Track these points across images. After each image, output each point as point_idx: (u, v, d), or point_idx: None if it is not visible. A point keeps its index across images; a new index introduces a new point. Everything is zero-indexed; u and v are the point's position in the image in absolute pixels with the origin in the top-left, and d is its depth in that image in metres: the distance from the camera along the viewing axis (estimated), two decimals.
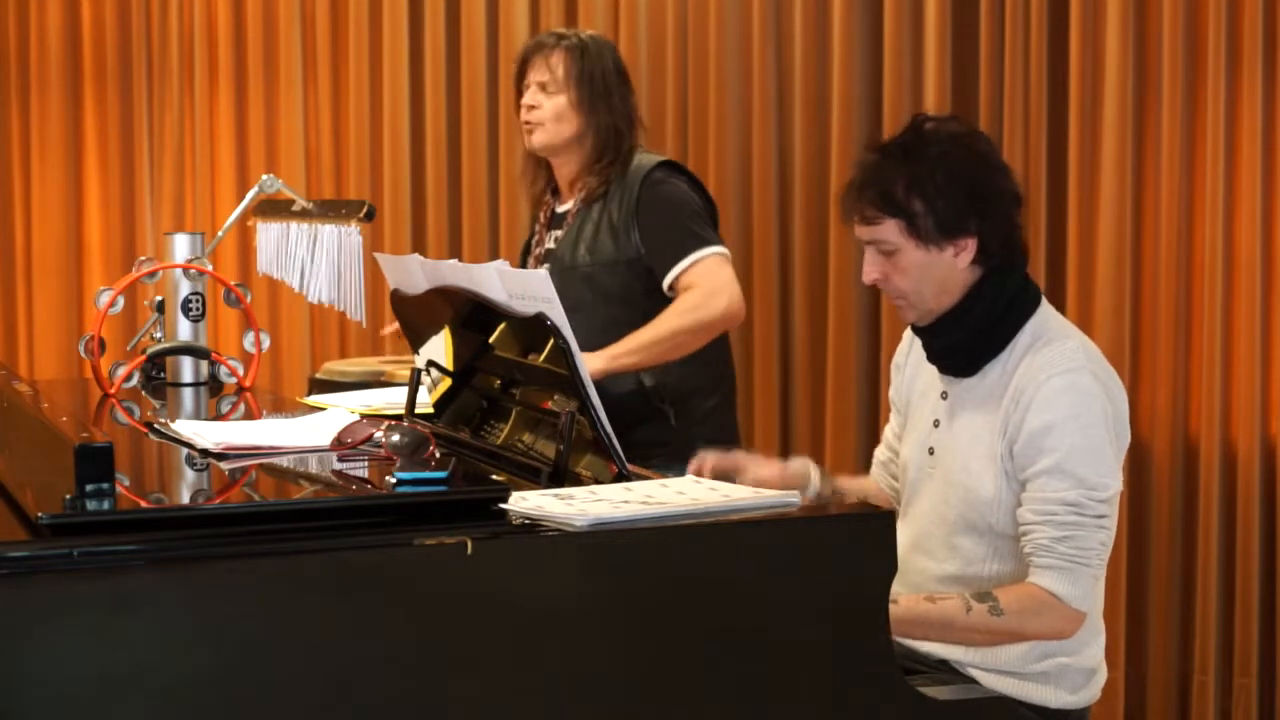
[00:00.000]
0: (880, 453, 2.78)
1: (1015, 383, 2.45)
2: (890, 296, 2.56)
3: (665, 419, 3.32)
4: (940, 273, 2.48)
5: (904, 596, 2.39)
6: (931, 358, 2.59)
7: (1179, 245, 3.78)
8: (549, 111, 3.39)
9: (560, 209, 3.49)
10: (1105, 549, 2.42)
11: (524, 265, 3.54)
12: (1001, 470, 2.45)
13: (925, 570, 2.53)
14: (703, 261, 3.28)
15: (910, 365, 2.69)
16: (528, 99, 3.42)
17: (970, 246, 2.47)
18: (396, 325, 3.62)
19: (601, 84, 3.40)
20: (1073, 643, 2.48)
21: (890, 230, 2.47)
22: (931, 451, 2.57)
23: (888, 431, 2.77)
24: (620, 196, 3.34)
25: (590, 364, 2.87)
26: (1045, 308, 2.54)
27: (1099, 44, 3.84)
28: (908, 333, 2.70)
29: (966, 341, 2.51)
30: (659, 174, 3.36)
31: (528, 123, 3.42)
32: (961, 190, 2.45)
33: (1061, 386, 2.41)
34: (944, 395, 2.57)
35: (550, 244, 3.46)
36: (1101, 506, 2.40)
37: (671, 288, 3.29)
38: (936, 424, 2.57)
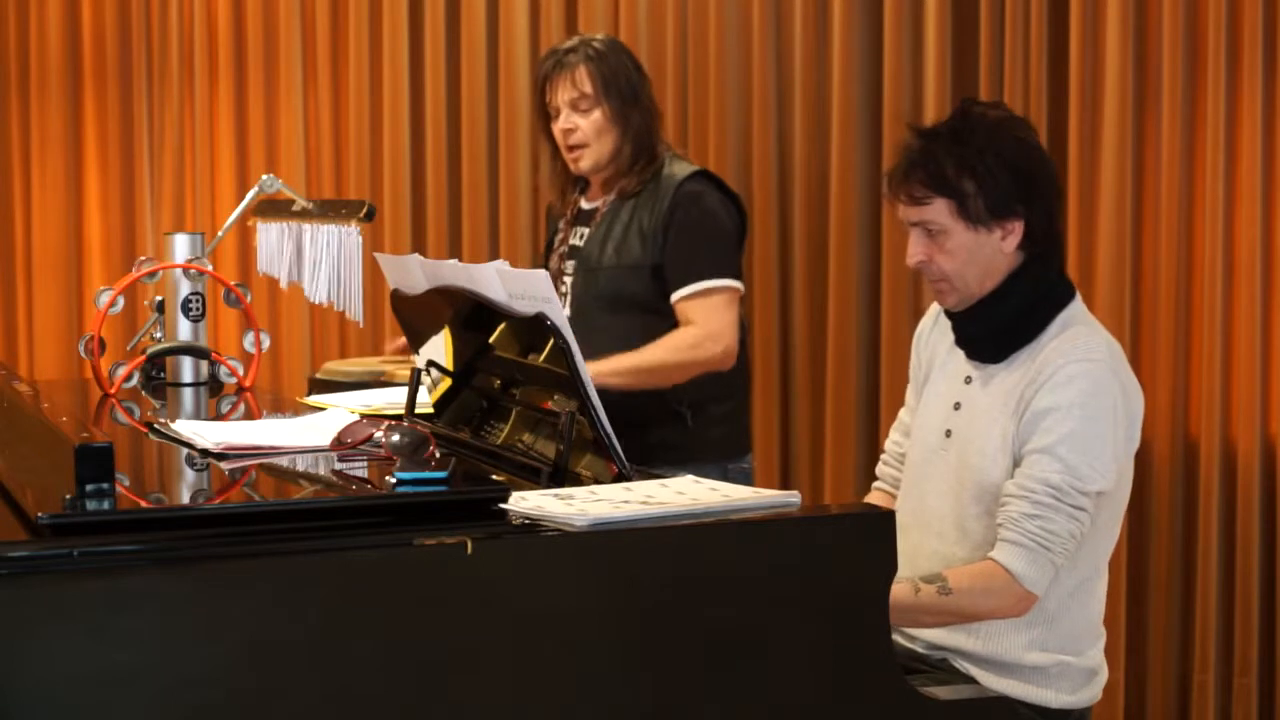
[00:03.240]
0: (895, 444, 2.77)
1: (1036, 366, 2.47)
2: (931, 279, 2.56)
3: (682, 421, 3.33)
4: (986, 255, 2.50)
5: None
6: (960, 342, 2.59)
7: (1179, 245, 3.77)
8: (590, 130, 3.37)
9: (587, 205, 3.49)
10: (1074, 540, 2.41)
11: (546, 263, 3.53)
12: (1012, 454, 2.46)
13: (936, 552, 2.53)
14: (713, 295, 3.28)
15: (933, 340, 2.69)
16: (564, 123, 3.39)
17: (1017, 230, 2.49)
18: (400, 342, 3.63)
19: (629, 88, 3.40)
20: (1074, 643, 2.48)
21: (940, 210, 2.49)
22: (949, 434, 2.57)
23: (904, 415, 2.76)
24: (653, 203, 3.33)
25: None
26: (1078, 302, 2.56)
27: (1099, 44, 3.84)
28: (933, 308, 2.70)
29: (1000, 328, 2.53)
30: (693, 185, 3.35)
31: (571, 147, 3.40)
32: (1010, 173, 2.48)
33: (1076, 372, 2.43)
34: (968, 380, 2.57)
35: (576, 240, 3.46)
36: (1082, 499, 2.40)
37: (677, 304, 3.30)
38: (957, 406, 2.57)
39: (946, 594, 2.39)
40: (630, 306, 3.30)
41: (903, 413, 2.77)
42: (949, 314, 2.60)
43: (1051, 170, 2.57)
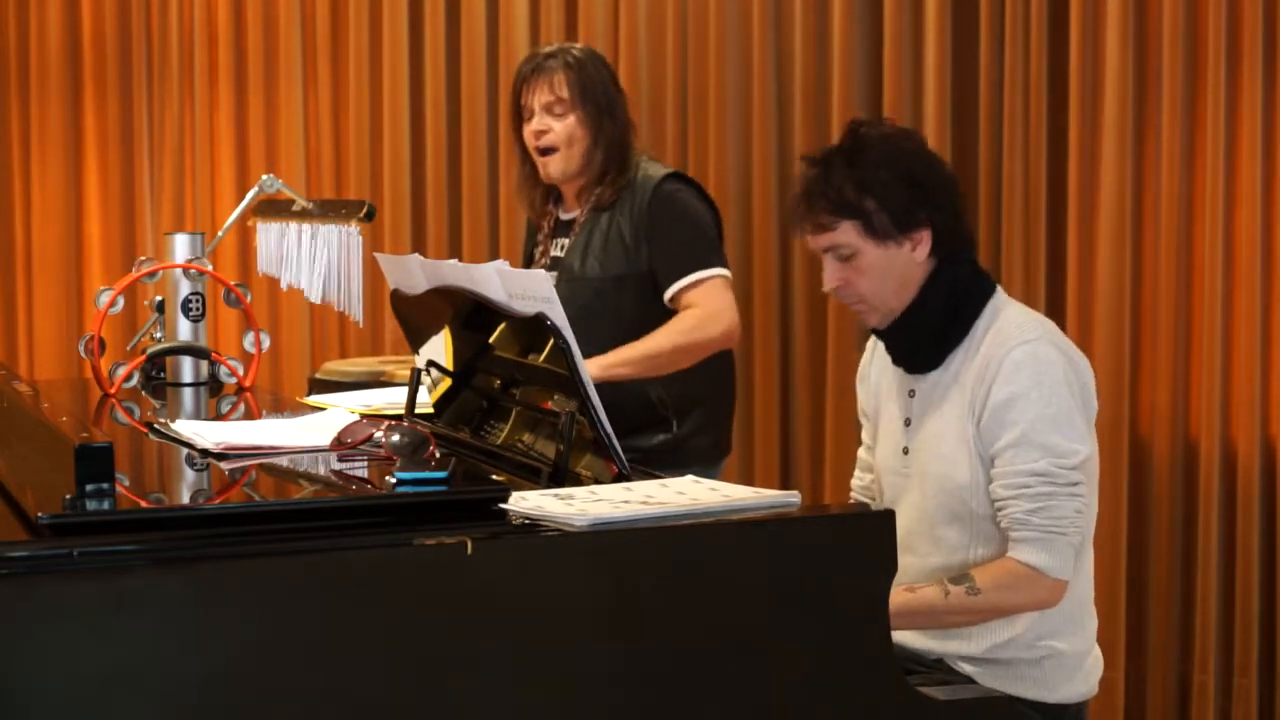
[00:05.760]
0: (859, 479, 2.79)
1: (978, 363, 2.50)
2: (850, 303, 2.60)
3: (668, 426, 3.34)
4: (900, 268, 2.53)
5: None
6: (897, 359, 2.62)
7: (1179, 245, 3.77)
8: (561, 134, 3.36)
9: (565, 216, 3.48)
10: (1082, 516, 2.44)
11: None
12: (974, 453, 2.48)
13: (909, 567, 2.53)
14: (706, 283, 3.30)
15: (874, 373, 2.73)
16: (536, 124, 3.38)
17: (925, 238, 2.53)
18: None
19: (605, 98, 3.40)
20: (1063, 627, 2.49)
21: (848, 233, 2.52)
22: (906, 451, 2.59)
23: (863, 454, 2.77)
24: (630, 209, 3.34)
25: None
26: (999, 293, 2.59)
27: (1099, 44, 3.84)
28: (869, 344, 2.73)
29: (929, 334, 2.55)
30: (669, 185, 3.36)
31: (541, 148, 3.39)
32: (907, 184, 2.51)
33: (1021, 357, 2.45)
34: (911, 394, 2.59)
35: (557, 252, 3.45)
36: (1073, 474, 2.42)
37: (672, 300, 3.30)
38: (908, 423, 2.59)
39: (976, 594, 2.41)
40: (616, 316, 3.29)
41: (861, 451, 2.79)
42: (877, 334, 2.63)
43: (947, 173, 2.60)
